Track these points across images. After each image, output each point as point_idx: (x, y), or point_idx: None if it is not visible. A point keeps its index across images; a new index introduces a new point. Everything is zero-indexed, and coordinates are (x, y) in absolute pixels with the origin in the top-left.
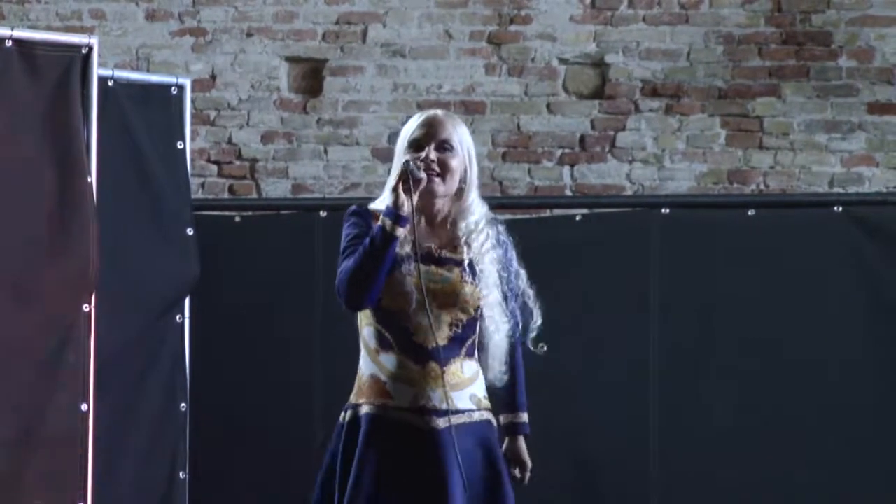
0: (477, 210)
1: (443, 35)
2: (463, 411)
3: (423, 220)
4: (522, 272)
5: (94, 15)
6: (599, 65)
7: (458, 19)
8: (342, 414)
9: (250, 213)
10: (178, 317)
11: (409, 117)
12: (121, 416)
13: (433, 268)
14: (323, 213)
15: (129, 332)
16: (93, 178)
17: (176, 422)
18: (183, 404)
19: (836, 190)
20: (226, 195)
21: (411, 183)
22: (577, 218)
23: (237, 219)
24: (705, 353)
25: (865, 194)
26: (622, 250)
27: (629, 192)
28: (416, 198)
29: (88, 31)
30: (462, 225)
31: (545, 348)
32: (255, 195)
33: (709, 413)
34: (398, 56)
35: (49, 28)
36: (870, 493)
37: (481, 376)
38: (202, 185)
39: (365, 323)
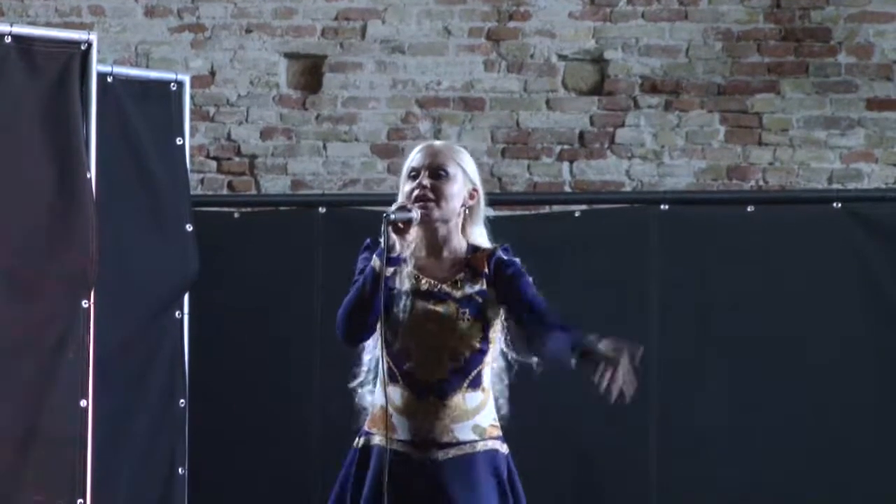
0: (478, 241)
1: (442, 31)
2: (465, 442)
3: (426, 251)
4: (528, 290)
5: (93, 11)
6: (598, 61)
7: (457, 15)
8: (356, 439)
9: (249, 209)
10: (177, 313)
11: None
12: (120, 412)
13: (430, 304)
14: (322, 210)
15: (129, 328)
16: (92, 175)
17: (175, 418)
18: (182, 400)
19: (835, 186)
20: (225, 191)
21: (402, 224)
22: (577, 214)
23: (236, 215)
24: (704, 350)
25: (864, 191)
26: (621, 247)
27: (628, 189)
28: (411, 235)
29: (87, 27)
30: (463, 258)
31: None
32: (254, 191)
33: (709, 411)
34: (397, 52)
35: (48, 24)
36: (870, 492)
37: (489, 405)
38: (201, 181)
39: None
